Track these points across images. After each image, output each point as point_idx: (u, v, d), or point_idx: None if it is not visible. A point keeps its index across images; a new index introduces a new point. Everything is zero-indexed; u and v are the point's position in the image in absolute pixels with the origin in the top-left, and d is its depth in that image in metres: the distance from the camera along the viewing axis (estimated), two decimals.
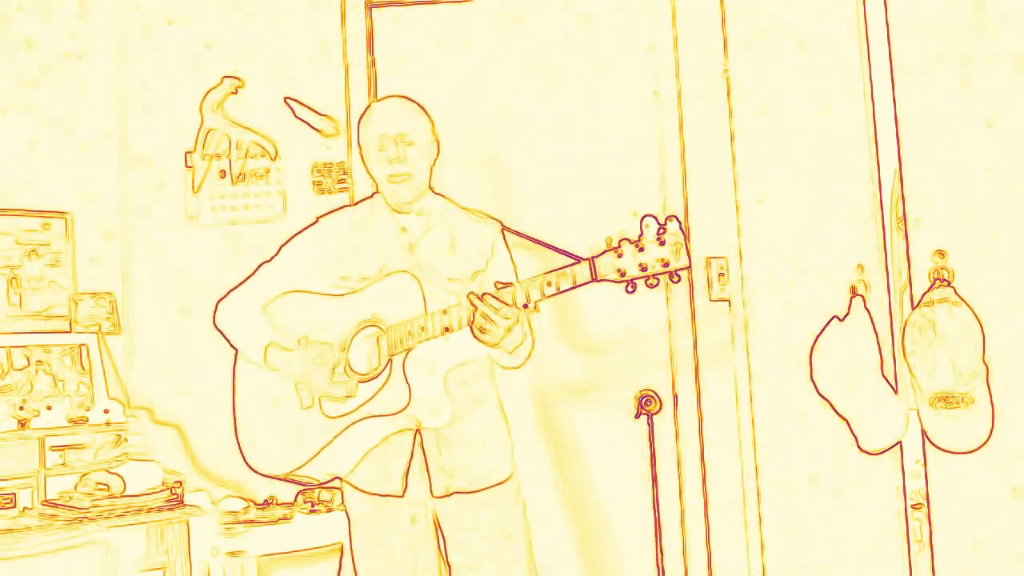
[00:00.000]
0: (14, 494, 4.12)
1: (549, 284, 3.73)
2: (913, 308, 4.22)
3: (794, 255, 4.30)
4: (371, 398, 3.86)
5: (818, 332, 4.25)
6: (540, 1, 4.43)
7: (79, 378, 4.32)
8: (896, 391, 4.22)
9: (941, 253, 4.22)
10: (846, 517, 4.24)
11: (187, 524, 4.14)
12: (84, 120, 4.48)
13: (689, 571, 4.29)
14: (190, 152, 4.46)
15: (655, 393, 4.27)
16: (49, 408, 4.25)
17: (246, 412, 3.97)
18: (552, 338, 4.33)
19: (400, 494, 3.88)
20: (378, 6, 4.48)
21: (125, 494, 4.16)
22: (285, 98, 4.45)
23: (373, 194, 4.02)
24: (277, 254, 4.02)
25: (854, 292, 4.25)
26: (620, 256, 3.68)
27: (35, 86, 4.46)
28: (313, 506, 4.25)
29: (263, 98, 4.46)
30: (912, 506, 4.20)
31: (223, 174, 4.45)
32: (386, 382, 3.86)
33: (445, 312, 3.81)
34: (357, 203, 4.11)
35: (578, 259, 3.77)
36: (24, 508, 4.12)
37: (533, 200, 4.36)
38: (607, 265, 3.69)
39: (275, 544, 4.18)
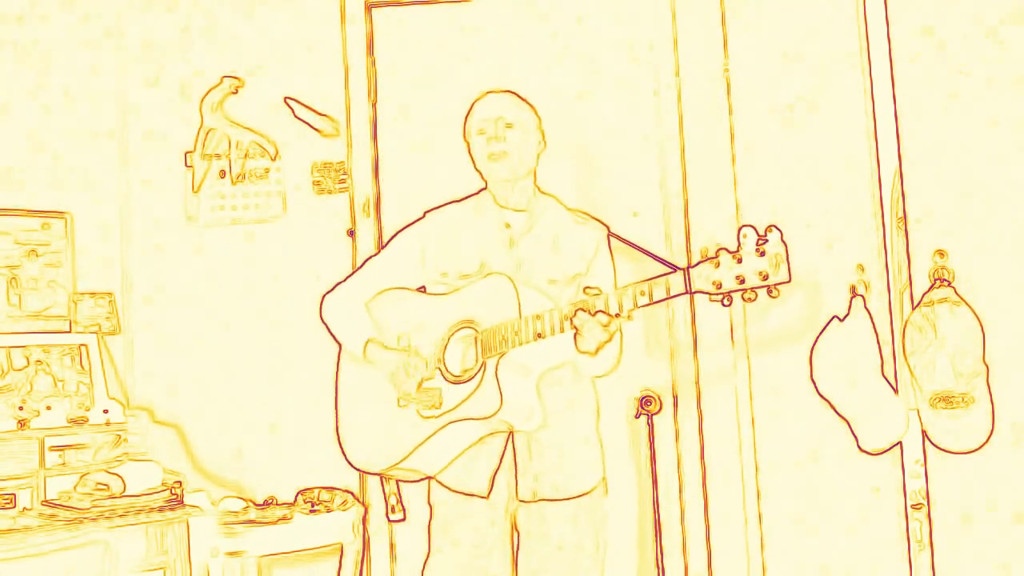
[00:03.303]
0: (14, 494, 4.12)
1: (642, 294, 3.64)
2: (913, 308, 4.21)
3: (794, 255, 4.29)
4: (463, 400, 3.82)
5: (818, 332, 4.25)
6: (539, 1, 4.43)
7: (79, 378, 4.32)
8: (896, 391, 4.22)
9: (941, 253, 4.22)
10: (846, 517, 4.24)
11: (187, 524, 4.13)
12: (84, 119, 4.48)
13: (689, 571, 4.29)
14: (190, 152, 4.46)
15: (655, 393, 4.27)
16: (49, 408, 4.25)
17: (346, 408, 3.97)
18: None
19: (485, 495, 3.86)
20: (378, 6, 4.47)
21: (125, 494, 4.16)
22: (285, 98, 4.45)
23: (480, 191, 4.01)
24: (384, 248, 4.03)
25: (854, 292, 4.25)
26: (717, 267, 3.56)
27: (35, 85, 4.46)
28: (313, 506, 4.25)
29: (263, 98, 4.46)
30: (912, 506, 4.20)
31: (223, 174, 4.45)
32: (479, 386, 3.82)
33: (539, 318, 3.75)
34: (464, 199, 4.05)
35: (674, 268, 3.70)
36: (24, 508, 4.12)
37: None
38: (702, 276, 3.57)
39: (275, 544, 4.18)
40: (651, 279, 3.66)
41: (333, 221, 4.43)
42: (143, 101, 4.48)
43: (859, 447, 4.22)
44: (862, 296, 4.25)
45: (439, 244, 3.96)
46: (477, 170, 4.00)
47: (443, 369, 3.88)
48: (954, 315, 4.17)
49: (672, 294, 3.62)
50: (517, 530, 3.88)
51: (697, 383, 4.30)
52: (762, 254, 3.54)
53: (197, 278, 4.43)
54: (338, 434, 3.98)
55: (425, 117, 4.42)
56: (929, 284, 4.22)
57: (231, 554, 4.12)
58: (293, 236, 4.43)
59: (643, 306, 3.66)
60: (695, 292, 3.60)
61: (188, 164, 4.45)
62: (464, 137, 4.02)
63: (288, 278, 4.38)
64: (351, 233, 4.41)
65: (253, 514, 4.22)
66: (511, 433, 3.86)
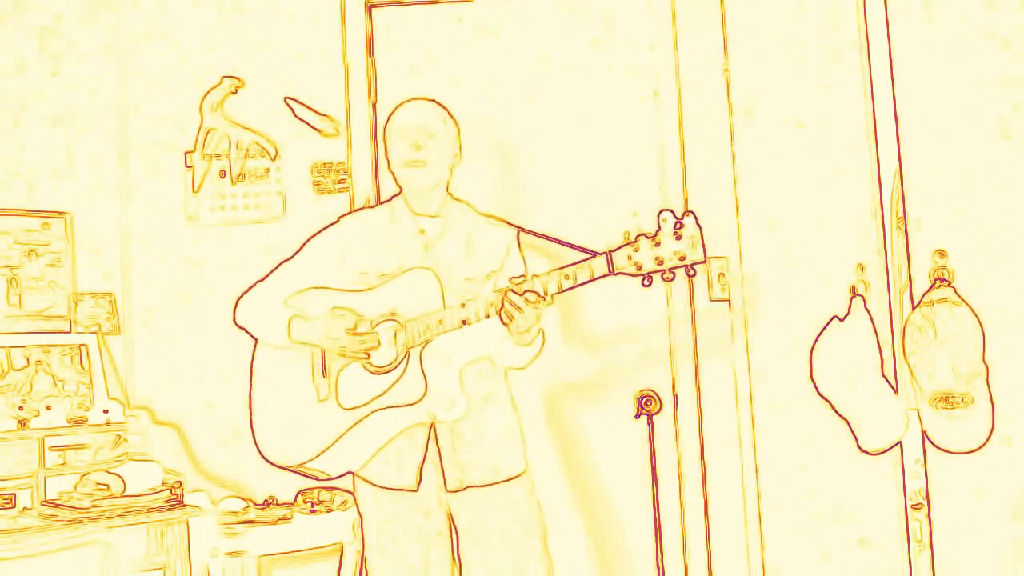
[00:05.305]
0: (14, 494, 4.12)
1: (567, 277, 3.79)
2: (913, 308, 4.22)
3: (794, 255, 4.30)
4: (387, 390, 3.90)
5: (818, 332, 4.25)
6: (540, 1, 4.43)
7: (79, 378, 4.32)
8: (896, 391, 4.22)
9: (941, 253, 4.22)
10: (846, 517, 4.24)
11: (187, 524, 4.14)
12: (84, 119, 4.48)
13: (689, 571, 4.29)
14: (190, 152, 4.46)
15: (655, 393, 4.27)
16: (49, 408, 4.25)
17: (262, 404, 4.01)
18: (559, 337, 4.33)
19: (414, 488, 3.91)
20: (378, 6, 4.48)
21: (125, 494, 4.16)
22: (285, 98, 4.45)
23: (393, 196, 4.08)
24: (298, 251, 4.08)
25: (854, 292, 4.26)
26: (637, 250, 3.74)
27: (37, 86, 4.46)
28: (313, 506, 4.25)
29: (263, 98, 4.46)
30: (912, 506, 4.20)
31: (223, 174, 4.45)
32: (403, 374, 3.89)
33: (463, 305, 3.88)
34: (378, 204, 4.19)
35: (594, 254, 3.82)
36: (24, 508, 4.12)
37: (534, 199, 4.36)
38: (624, 258, 3.74)
39: (275, 544, 4.18)
40: (575, 263, 3.81)
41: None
42: (143, 101, 4.48)
43: (859, 447, 4.22)
44: (862, 296, 4.25)
45: (356, 246, 4.02)
46: (391, 172, 4.05)
47: (367, 360, 3.93)
48: (954, 315, 4.18)
49: (596, 276, 3.78)
50: (453, 521, 3.93)
51: (697, 382, 4.30)
52: (679, 237, 3.72)
53: (197, 278, 4.43)
54: (252, 431, 4.01)
55: None
56: (929, 284, 4.22)
57: (231, 554, 4.13)
58: (293, 236, 4.42)
59: (567, 289, 3.80)
60: (617, 274, 3.76)
61: (188, 164, 4.46)
62: (383, 139, 4.10)
63: None
64: None
65: (253, 514, 4.23)
66: (432, 425, 3.90)
